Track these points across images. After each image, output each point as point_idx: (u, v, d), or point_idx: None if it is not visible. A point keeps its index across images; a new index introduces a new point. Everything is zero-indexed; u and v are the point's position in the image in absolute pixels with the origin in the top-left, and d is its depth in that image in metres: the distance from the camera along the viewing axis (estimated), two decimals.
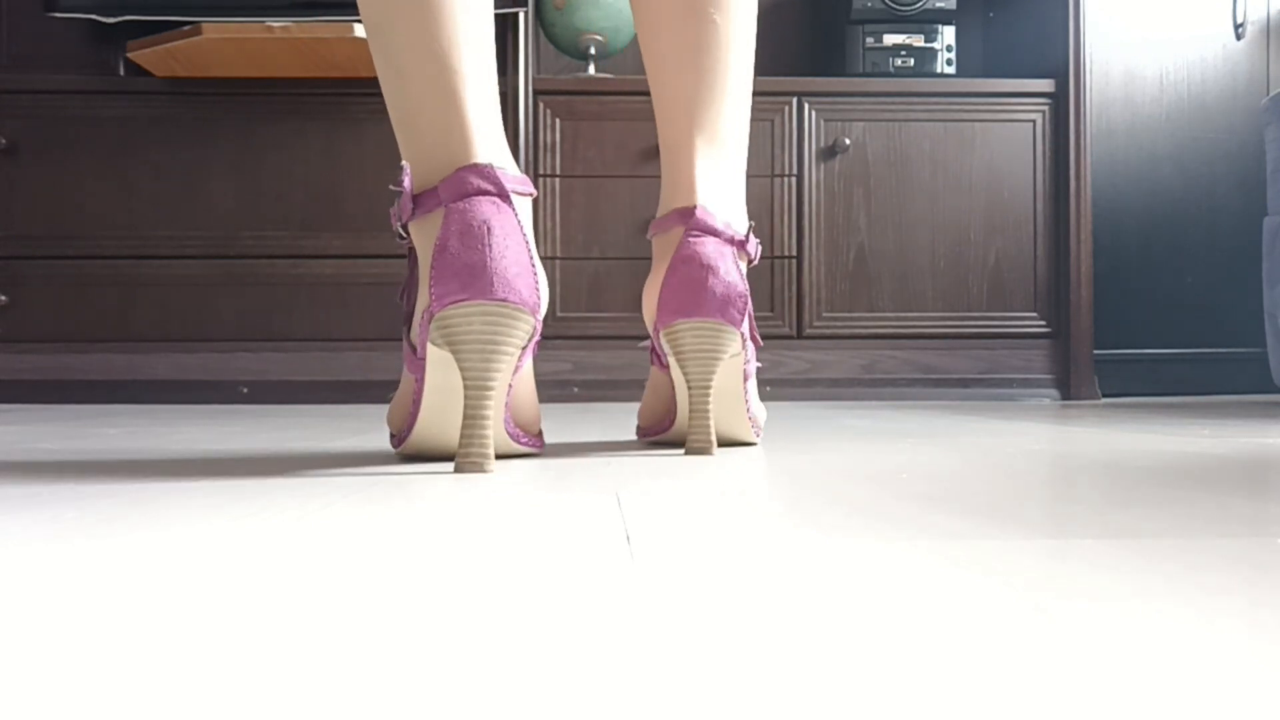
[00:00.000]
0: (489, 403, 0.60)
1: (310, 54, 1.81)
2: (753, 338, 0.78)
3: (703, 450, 0.73)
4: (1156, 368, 2.09)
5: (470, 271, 0.59)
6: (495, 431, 0.65)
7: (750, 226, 0.77)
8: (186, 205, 1.89)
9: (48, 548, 0.36)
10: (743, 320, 0.72)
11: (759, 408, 0.84)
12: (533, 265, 0.61)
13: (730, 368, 0.75)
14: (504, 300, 0.59)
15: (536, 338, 0.63)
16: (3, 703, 0.19)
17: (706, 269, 0.72)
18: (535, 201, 1.92)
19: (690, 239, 0.72)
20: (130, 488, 0.54)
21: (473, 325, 0.59)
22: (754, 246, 0.76)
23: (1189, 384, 2.09)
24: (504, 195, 0.61)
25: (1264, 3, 2.13)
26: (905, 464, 0.66)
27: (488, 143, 0.63)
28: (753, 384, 0.81)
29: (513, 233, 0.60)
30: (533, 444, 0.72)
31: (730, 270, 0.72)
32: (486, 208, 0.60)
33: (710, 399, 0.73)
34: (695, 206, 0.73)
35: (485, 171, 0.61)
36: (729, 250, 0.73)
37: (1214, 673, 0.20)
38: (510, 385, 0.65)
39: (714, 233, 0.73)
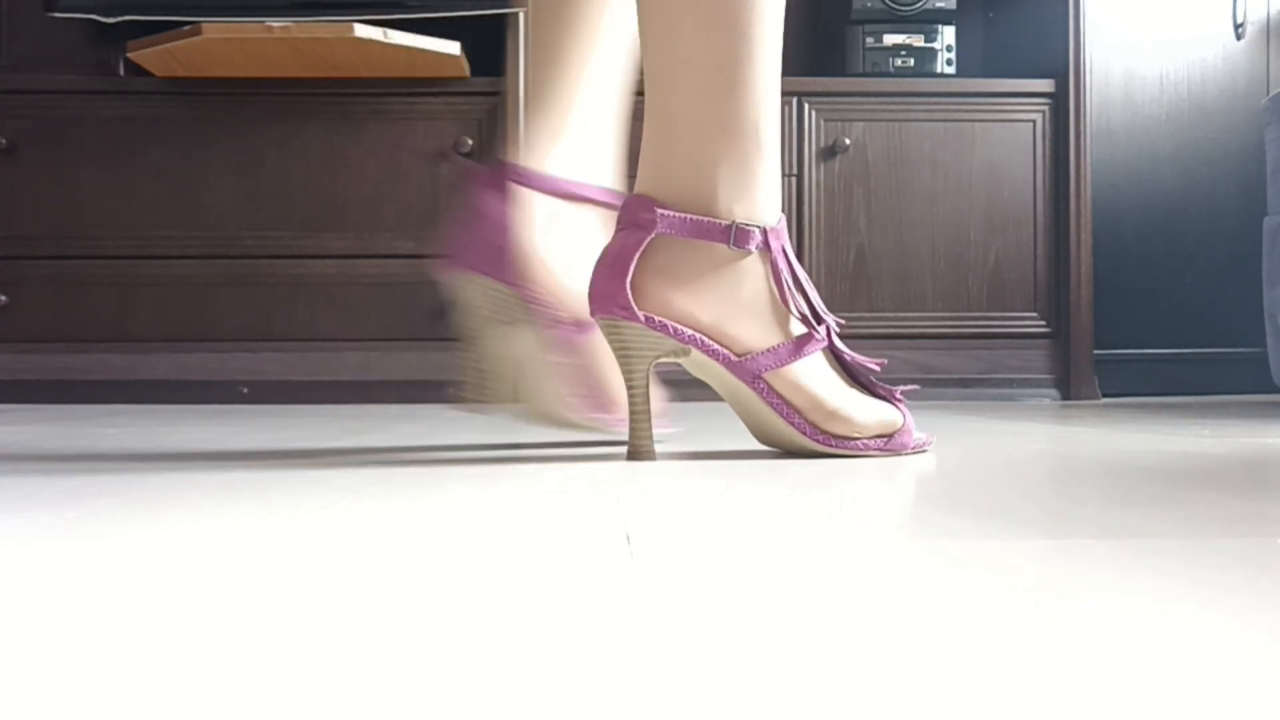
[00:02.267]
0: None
1: (310, 54, 1.80)
2: (802, 321, 0.70)
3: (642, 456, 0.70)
4: (1156, 368, 2.09)
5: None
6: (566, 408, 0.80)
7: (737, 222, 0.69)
8: (186, 205, 1.89)
9: (49, 547, 0.36)
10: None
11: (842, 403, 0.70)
12: None
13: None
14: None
15: None
16: (3, 703, 0.19)
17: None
18: None
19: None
20: (131, 487, 0.54)
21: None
22: (738, 236, 0.69)
23: (1189, 384, 2.09)
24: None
25: (1264, 3, 2.13)
26: (905, 463, 0.66)
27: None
28: (816, 378, 0.70)
29: None
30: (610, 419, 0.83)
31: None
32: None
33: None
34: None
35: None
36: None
37: (1214, 672, 0.20)
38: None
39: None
